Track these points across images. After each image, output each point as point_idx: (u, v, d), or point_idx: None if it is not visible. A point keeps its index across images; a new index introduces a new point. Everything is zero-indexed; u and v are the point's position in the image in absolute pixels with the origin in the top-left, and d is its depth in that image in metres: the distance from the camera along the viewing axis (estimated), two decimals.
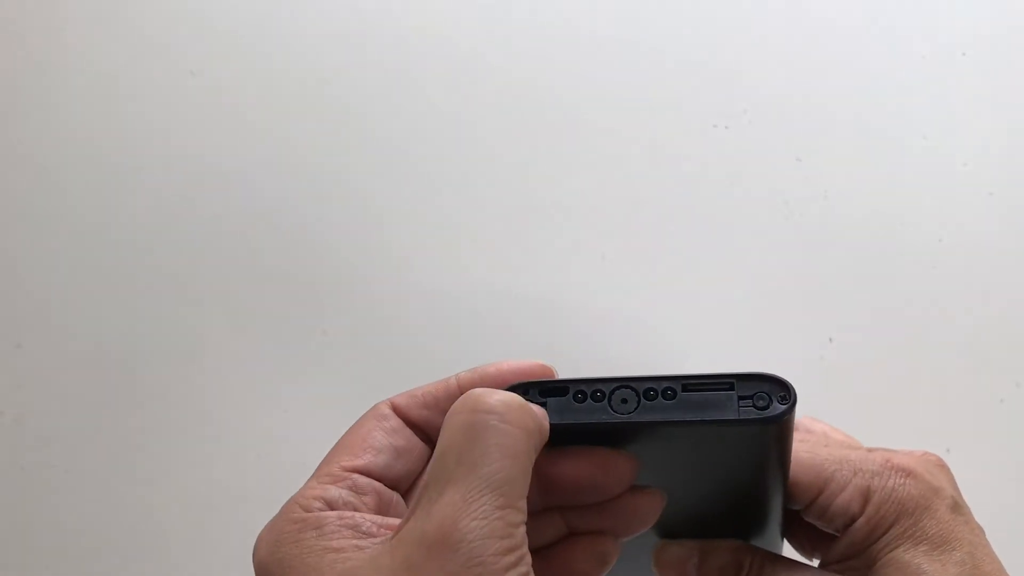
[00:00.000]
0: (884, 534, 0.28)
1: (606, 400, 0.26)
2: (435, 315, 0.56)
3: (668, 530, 0.33)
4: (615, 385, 0.26)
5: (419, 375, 0.57)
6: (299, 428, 0.56)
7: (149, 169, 0.59)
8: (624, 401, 0.26)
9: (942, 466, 0.31)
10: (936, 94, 0.53)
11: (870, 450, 0.30)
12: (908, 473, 0.29)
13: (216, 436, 0.57)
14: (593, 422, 0.26)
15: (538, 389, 0.27)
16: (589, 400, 0.26)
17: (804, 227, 0.53)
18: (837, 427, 0.33)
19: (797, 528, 0.33)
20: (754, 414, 0.25)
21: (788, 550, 0.34)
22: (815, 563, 0.33)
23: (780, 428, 0.26)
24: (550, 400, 0.26)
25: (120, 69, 0.60)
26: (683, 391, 0.26)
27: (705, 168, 0.54)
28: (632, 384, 0.26)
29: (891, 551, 0.28)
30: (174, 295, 0.58)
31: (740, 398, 0.25)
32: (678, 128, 0.55)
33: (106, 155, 0.60)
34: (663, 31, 0.56)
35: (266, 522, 0.27)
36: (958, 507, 0.29)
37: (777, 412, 0.25)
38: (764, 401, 0.25)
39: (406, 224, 0.57)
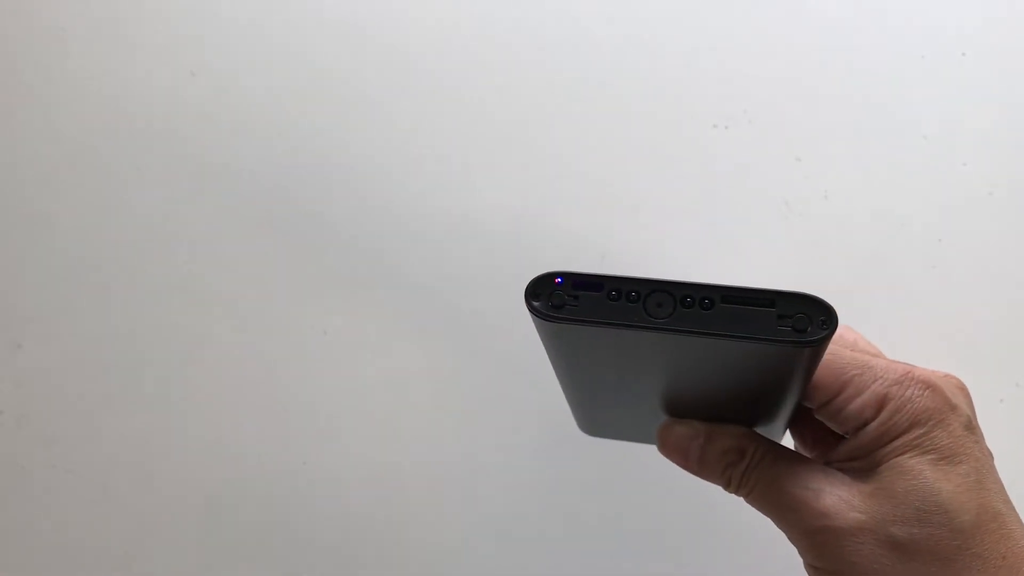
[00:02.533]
0: (893, 440, 0.29)
1: (641, 302, 0.25)
2: (431, 319, 0.56)
3: (676, 410, 0.32)
4: (652, 288, 0.25)
5: (423, 376, 0.57)
6: (299, 428, 0.56)
7: (149, 169, 0.60)
8: (659, 305, 0.25)
9: (963, 389, 0.31)
10: (936, 94, 0.53)
11: (893, 361, 0.30)
12: (928, 386, 0.29)
13: (216, 436, 0.57)
14: (624, 324, 0.25)
15: (572, 281, 0.26)
16: (624, 300, 0.25)
17: (804, 227, 0.53)
18: (872, 342, 0.34)
19: (803, 422, 0.34)
20: (791, 336, 0.24)
21: (787, 441, 0.34)
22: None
23: (815, 351, 0.25)
24: (582, 294, 0.25)
25: (120, 69, 0.60)
26: (721, 302, 0.25)
27: (705, 168, 0.54)
28: (670, 289, 0.25)
29: (897, 456, 0.28)
30: (174, 295, 0.58)
31: (779, 316, 0.25)
32: (678, 128, 0.55)
33: (106, 155, 0.60)
34: (663, 31, 0.56)
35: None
36: (972, 426, 0.29)
37: (815, 337, 0.24)
38: (803, 323, 0.24)
39: (408, 221, 0.57)
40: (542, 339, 0.29)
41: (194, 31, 0.60)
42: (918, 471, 0.28)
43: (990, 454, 0.29)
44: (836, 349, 0.30)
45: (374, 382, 0.56)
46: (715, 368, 0.28)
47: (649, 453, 0.35)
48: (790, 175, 0.53)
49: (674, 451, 0.32)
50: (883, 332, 0.52)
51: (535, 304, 0.26)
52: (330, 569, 0.55)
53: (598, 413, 0.37)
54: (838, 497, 0.29)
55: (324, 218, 0.57)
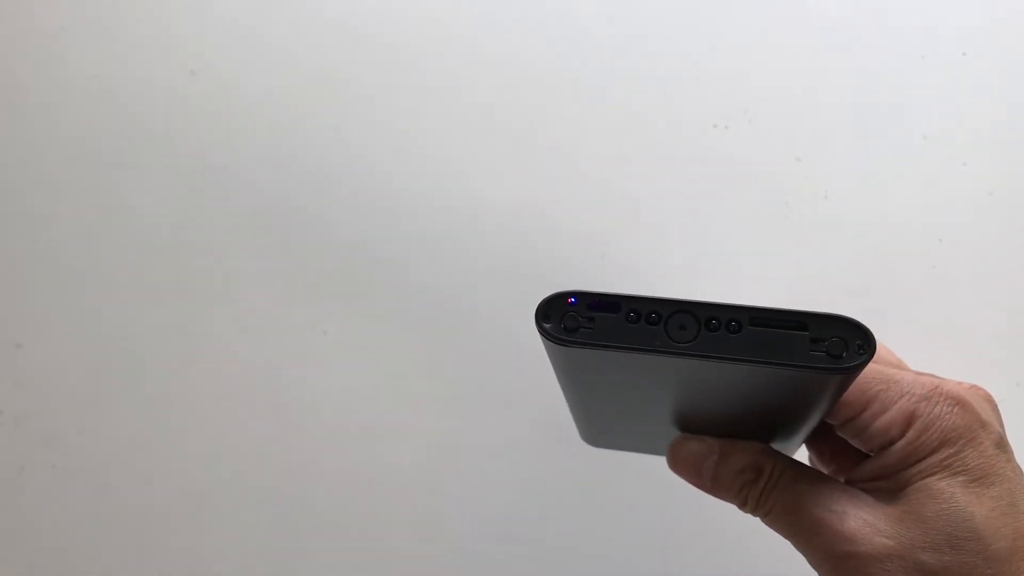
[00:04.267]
0: (921, 460, 0.27)
1: (662, 325, 0.23)
2: (431, 320, 0.56)
3: (689, 425, 0.31)
4: (674, 308, 0.23)
5: (423, 376, 0.57)
6: (300, 428, 0.56)
7: (149, 169, 0.59)
8: (682, 328, 0.23)
9: (991, 401, 0.29)
10: (936, 94, 0.53)
11: (919, 374, 0.29)
12: (957, 402, 0.28)
13: (216, 436, 0.57)
14: (645, 348, 0.23)
15: (587, 302, 0.24)
16: (643, 322, 0.23)
17: (804, 227, 0.53)
18: (889, 348, 0.32)
19: (821, 436, 0.32)
20: (827, 363, 0.22)
21: (801, 454, 0.33)
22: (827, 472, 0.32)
23: (850, 377, 0.23)
24: (598, 316, 0.24)
25: (120, 69, 0.60)
26: (750, 324, 0.23)
27: (705, 168, 0.54)
28: (694, 310, 0.23)
29: (925, 478, 0.27)
30: (174, 295, 0.58)
31: (812, 340, 0.23)
32: (678, 128, 0.55)
33: (106, 155, 0.60)
34: (663, 30, 0.55)
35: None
36: (1003, 444, 0.28)
37: (853, 364, 0.23)
38: (839, 348, 0.23)
39: (408, 221, 0.57)
40: (551, 359, 0.27)
41: (194, 31, 0.60)
42: (949, 494, 0.27)
43: (1021, 471, 0.28)
44: None
45: (374, 382, 0.56)
46: (738, 391, 0.26)
47: (654, 457, 0.34)
48: (790, 175, 0.53)
49: (686, 469, 0.31)
50: (883, 332, 0.52)
51: (546, 327, 0.24)
52: (330, 569, 0.55)
53: (604, 426, 0.36)
54: (863, 520, 0.27)
55: (325, 218, 0.57)
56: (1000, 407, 0.30)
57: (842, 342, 0.23)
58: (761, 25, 0.55)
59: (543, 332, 0.24)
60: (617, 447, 0.39)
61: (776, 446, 0.31)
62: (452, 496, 0.55)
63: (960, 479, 0.27)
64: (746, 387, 0.25)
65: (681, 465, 0.31)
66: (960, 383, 0.29)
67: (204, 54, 0.60)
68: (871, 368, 0.29)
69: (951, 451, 0.27)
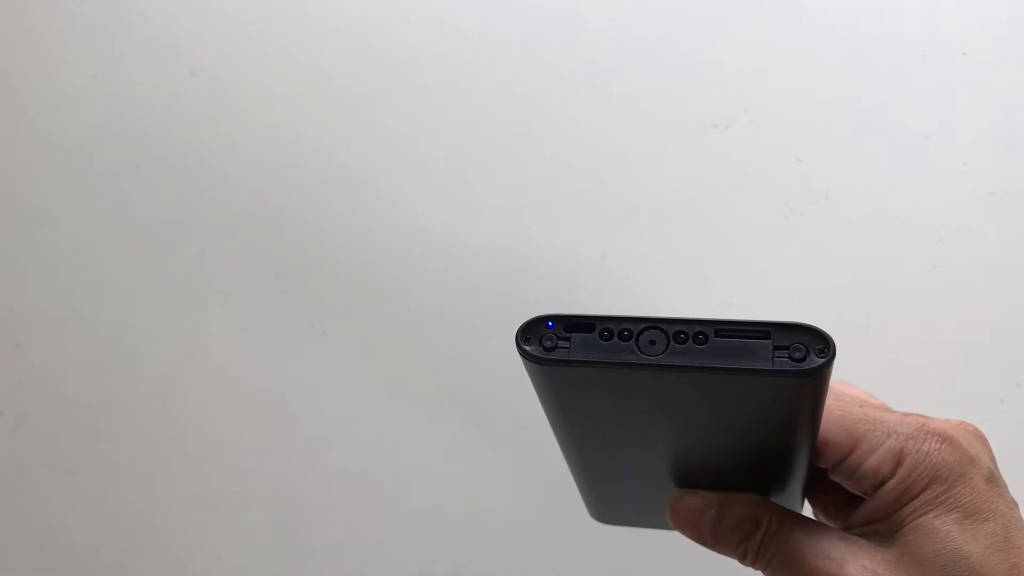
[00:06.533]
0: (914, 499, 0.28)
1: (633, 340, 0.25)
2: (431, 320, 0.56)
3: (686, 479, 0.32)
4: (644, 325, 0.25)
5: (422, 377, 0.57)
6: (300, 429, 0.56)
7: (148, 169, 0.60)
8: (652, 343, 0.25)
9: (980, 436, 0.30)
10: (936, 94, 0.53)
11: (905, 414, 0.29)
12: (945, 439, 0.28)
13: (216, 437, 0.57)
14: (617, 362, 0.25)
15: (563, 324, 0.25)
16: (616, 339, 0.25)
17: (804, 227, 0.53)
18: (872, 394, 0.33)
19: (821, 490, 0.33)
20: (789, 366, 0.24)
21: (807, 512, 0.34)
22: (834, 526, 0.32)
23: (815, 383, 0.25)
24: (574, 336, 0.25)
25: (119, 69, 0.60)
26: (715, 336, 0.24)
27: (705, 168, 0.54)
28: (662, 326, 0.25)
29: (920, 516, 0.27)
30: (174, 295, 0.58)
31: (776, 348, 0.24)
32: (678, 128, 0.55)
33: (106, 155, 0.60)
34: (663, 30, 0.56)
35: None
36: (994, 478, 0.28)
37: (814, 365, 0.24)
38: (801, 353, 0.24)
39: (408, 223, 0.57)
40: (539, 394, 0.29)
41: (194, 31, 0.60)
42: (944, 532, 0.27)
43: (1015, 504, 0.28)
44: (845, 406, 0.29)
45: (374, 383, 0.56)
46: (715, 414, 0.27)
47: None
48: (790, 175, 0.53)
49: (685, 524, 0.31)
50: (883, 332, 0.52)
51: (527, 348, 0.25)
52: (328, 569, 0.55)
53: (607, 491, 0.36)
54: (862, 567, 0.28)
55: (324, 218, 0.57)
56: (1000, 407, 0.30)
57: (803, 347, 0.24)
58: (761, 25, 0.55)
59: (523, 353, 0.25)
60: (625, 522, 0.40)
61: (777, 500, 0.31)
62: (452, 496, 0.55)
63: (953, 516, 0.27)
64: (723, 408, 0.26)
65: (680, 520, 0.31)
66: (948, 420, 0.29)
67: (203, 55, 0.60)
68: (857, 411, 0.29)
69: (942, 488, 0.27)
